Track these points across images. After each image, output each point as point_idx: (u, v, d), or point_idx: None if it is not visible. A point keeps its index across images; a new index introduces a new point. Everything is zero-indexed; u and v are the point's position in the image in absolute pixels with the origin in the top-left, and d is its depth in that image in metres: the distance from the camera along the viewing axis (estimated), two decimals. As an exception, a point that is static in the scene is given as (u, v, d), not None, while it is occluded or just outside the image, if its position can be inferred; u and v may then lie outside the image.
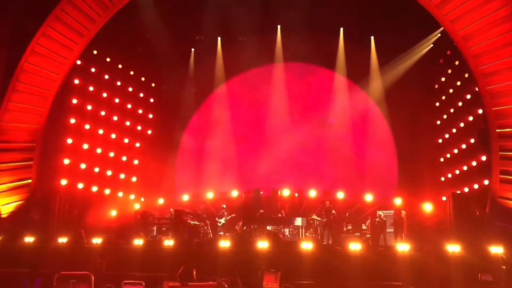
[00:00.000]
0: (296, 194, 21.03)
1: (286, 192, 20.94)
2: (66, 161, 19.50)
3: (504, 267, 12.28)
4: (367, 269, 12.46)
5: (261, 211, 18.06)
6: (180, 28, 22.18)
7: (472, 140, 18.93)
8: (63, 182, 19.13)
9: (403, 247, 13.45)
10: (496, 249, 12.94)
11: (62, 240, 15.04)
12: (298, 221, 18.01)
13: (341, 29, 22.63)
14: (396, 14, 20.15)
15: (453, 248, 13.17)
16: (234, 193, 21.45)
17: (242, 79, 23.78)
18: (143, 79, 23.80)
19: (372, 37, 22.49)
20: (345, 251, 13.50)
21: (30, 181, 18.40)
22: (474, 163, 18.68)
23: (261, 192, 19.91)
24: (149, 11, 20.43)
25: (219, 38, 23.31)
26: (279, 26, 22.84)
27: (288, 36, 22.38)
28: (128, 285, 10.44)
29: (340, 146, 22.15)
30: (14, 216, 17.52)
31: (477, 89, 17.92)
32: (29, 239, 15.01)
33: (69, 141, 19.78)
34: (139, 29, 21.05)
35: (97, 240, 14.78)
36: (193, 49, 23.78)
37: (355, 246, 13.45)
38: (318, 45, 21.69)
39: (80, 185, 19.98)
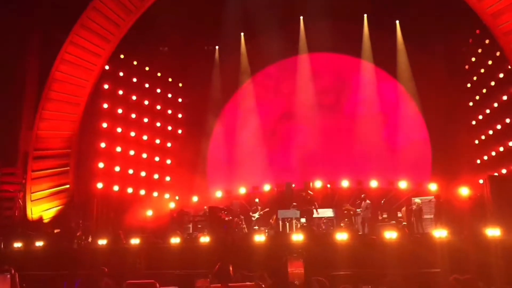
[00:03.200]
0: (329, 185, 20.90)
1: (318, 184, 20.86)
2: (101, 165, 19.98)
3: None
4: (404, 257, 12.28)
5: (294, 204, 18.02)
6: (203, 26, 22.33)
7: (508, 120, 18.40)
8: (99, 185, 19.62)
9: (440, 233, 13.21)
10: (537, 232, 12.57)
11: (102, 242, 15.43)
12: (329, 212, 17.85)
13: (365, 15, 22.28)
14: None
15: (493, 232, 12.83)
16: (266, 187, 21.52)
17: (268, 73, 23.79)
18: (170, 79, 24.11)
19: (397, 21, 22.07)
20: (381, 240, 13.36)
21: (68, 186, 18.97)
22: (510, 144, 18.16)
23: (293, 185, 19.90)
24: (171, 11, 20.63)
25: (242, 34, 23.35)
26: (301, 17, 22.69)
27: (311, 26, 22.21)
28: None
29: (371, 134, 21.89)
30: (55, 221, 18.10)
31: (510, 67, 17.40)
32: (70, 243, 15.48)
33: (103, 145, 20.27)
34: (163, 30, 21.28)
35: (135, 241, 15.09)
36: (217, 47, 23.90)
37: (391, 235, 13.30)
38: (342, 34, 21.43)
39: (116, 188, 20.45)
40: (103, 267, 10.08)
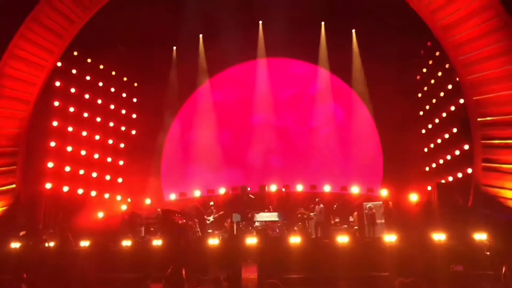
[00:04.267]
0: (283, 189, 21.13)
1: (273, 188, 21.04)
2: (50, 164, 19.32)
3: (488, 253, 12.50)
4: (355, 261, 12.59)
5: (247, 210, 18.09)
6: (161, 26, 22.04)
7: (455, 130, 19.19)
8: (48, 185, 18.96)
9: (389, 238, 13.60)
10: (481, 236, 13.16)
11: (49, 244, 14.91)
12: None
13: (322, 23, 22.70)
14: (376, 5, 20.23)
15: (439, 236, 13.36)
16: (222, 190, 21.46)
17: (225, 76, 23.79)
18: (125, 79, 23.66)
19: (353, 30, 22.61)
20: (333, 243, 13.61)
21: (14, 186, 18.15)
22: (457, 152, 18.93)
23: (248, 188, 19.97)
24: (129, 9, 20.25)
25: (201, 36, 23.22)
26: (260, 22, 22.85)
27: (269, 31, 22.38)
28: None
29: (326, 140, 22.29)
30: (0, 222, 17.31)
31: (457, 79, 18.16)
32: (15, 245, 14.85)
33: (53, 144, 19.62)
34: (119, 28, 20.85)
35: (85, 243, 14.68)
36: (175, 47, 23.64)
37: (343, 239, 13.57)
38: (300, 40, 21.75)
39: (66, 188, 19.83)
40: (22, 272, 9.83)
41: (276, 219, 17.58)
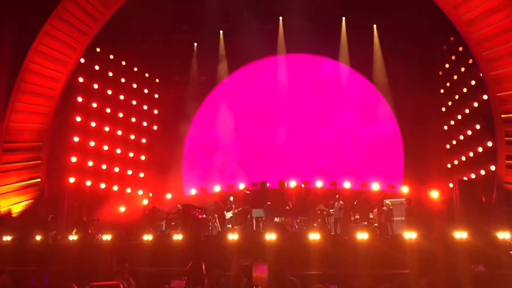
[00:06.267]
0: (303, 185, 21.08)
1: (292, 184, 21.02)
2: (74, 159, 19.68)
3: (511, 252, 12.29)
4: (375, 258, 12.50)
5: (268, 203, 18.11)
6: (182, 22, 22.21)
7: (478, 126, 18.87)
8: (71, 180, 19.34)
9: (410, 235, 13.47)
10: (503, 235, 12.94)
11: (72, 237, 15.22)
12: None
13: (343, 18, 22.51)
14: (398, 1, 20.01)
15: (460, 235, 13.18)
16: (241, 186, 21.55)
17: (246, 72, 23.81)
18: (147, 75, 23.92)
19: (374, 25, 22.37)
20: (353, 240, 13.55)
21: (39, 180, 18.60)
22: (480, 149, 18.64)
23: (268, 184, 20.00)
24: (150, 6, 20.42)
25: (221, 32, 23.27)
26: (280, 18, 22.77)
27: (290, 27, 22.31)
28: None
29: (346, 136, 22.17)
30: (24, 215, 17.73)
31: (481, 75, 17.85)
32: (40, 237, 15.19)
33: (76, 139, 19.97)
34: (141, 25, 21.06)
35: (106, 237, 14.92)
36: (195, 44, 23.74)
37: (362, 236, 13.50)
38: (320, 35, 21.64)
39: (88, 183, 20.19)
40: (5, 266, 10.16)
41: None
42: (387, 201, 17.13)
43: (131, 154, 22.77)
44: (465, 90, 19.87)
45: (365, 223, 17.32)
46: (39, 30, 17.36)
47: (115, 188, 21.38)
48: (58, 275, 10.84)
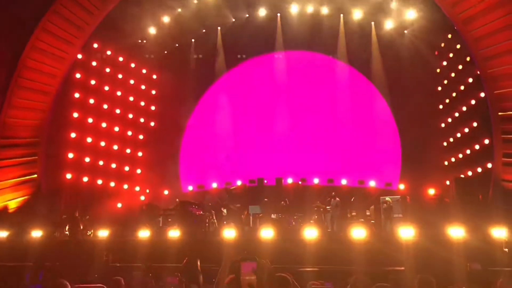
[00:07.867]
0: (300, 182, 21.10)
1: (289, 180, 21.03)
2: (71, 155, 19.68)
3: (506, 249, 12.31)
4: (371, 255, 12.50)
5: (265, 199, 18.11)
6: (179, 19, 22.15)
7: (475, 124, 18.91)
8: (68, 176, 19.33)
9: (406, 232, 13.47)
10: (499, 232, 12.95)
11: (65, 232, 15.20)
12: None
13: (341, 15, 22.48)
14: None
15: (456, 232, 13.18)
16: (238, 183, 21.54)
17: (243, 69, 23.78)
18: (144, 71, 23.83)
19: (372, 23, 22.34)
20: (349, 237, 13.55)
21: (35, 176, 18.55)
22: (477, 147, 18.68)
23: (265, 181, 20.00)
24: (148, 3, 20.38)
25: (219, 28, 23.22)
26: (278, 14, 22.74)
27: (288, 24, 22.29)
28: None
29: (343, 133, 22.17)
30: (21, 211, 17.70)
31: (478, 72, 17.84)
32: (36, 233, 15.15)
33: (73, 135, 19.95)
34: (139, 21, 21.00)
35: (103, 233, 14.89)
36: (193, 40, 23.68)
37: (359, 233, 13.48)
38: (318, 33, 21.63)
39: (85, 179, 20.18)
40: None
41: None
42: (387, 198, 17.11)
43: (128, 151, 22.75)
44: (462, 87, 19.90)
45: (362, 220, 17.31)
46: (36, 25, 17.30)
47: (112, 184, 21.37)
48: (51, 271, 10.82)
